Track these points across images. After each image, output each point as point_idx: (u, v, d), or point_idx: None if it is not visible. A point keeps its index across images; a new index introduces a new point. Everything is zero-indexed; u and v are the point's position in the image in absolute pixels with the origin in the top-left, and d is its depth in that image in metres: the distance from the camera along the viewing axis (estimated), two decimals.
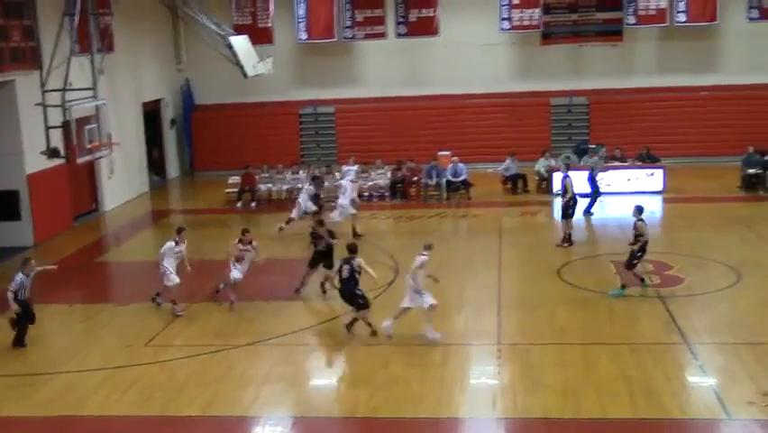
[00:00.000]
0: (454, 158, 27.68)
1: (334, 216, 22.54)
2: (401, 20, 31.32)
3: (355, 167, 27.68)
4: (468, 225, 24.83)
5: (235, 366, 14.60)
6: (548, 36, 30.98)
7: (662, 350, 14.57)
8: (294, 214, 23.29)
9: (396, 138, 31.35)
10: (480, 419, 12.74)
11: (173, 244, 17.36)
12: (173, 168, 33.31)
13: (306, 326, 16.46)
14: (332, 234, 18.30)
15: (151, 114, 31.78)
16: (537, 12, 30.36)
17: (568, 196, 21.47)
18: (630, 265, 17.35)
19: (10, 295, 15.56)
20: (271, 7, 31.51)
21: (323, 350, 15.54)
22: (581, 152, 28.82)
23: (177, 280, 17.17)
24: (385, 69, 32.67)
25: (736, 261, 19.23)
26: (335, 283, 16.89)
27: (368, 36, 31.66)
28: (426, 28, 31.12)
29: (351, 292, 15.54)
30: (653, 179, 26.84)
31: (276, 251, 21.10)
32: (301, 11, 31.44)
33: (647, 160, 27.67)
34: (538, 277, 18.90)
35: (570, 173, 22.01)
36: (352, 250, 15.87)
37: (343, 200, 23.29)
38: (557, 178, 27.04)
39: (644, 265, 19.28)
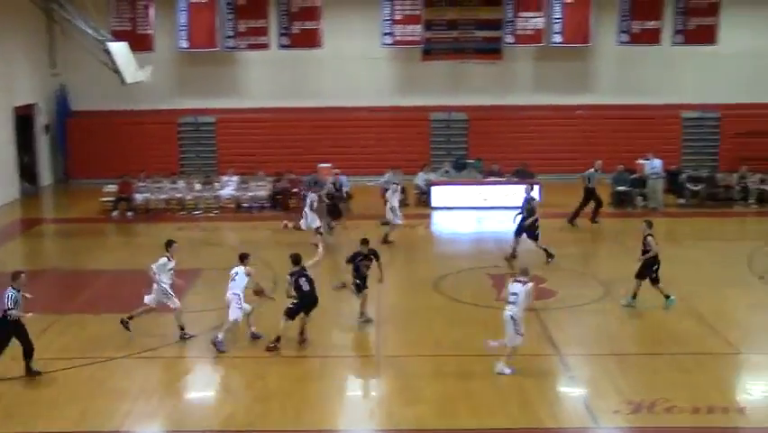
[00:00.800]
0: (336, 170, 27.74)
1: (394, 220, 22.95)
2: (284, 31, 31.27)
3: (235, 178, 27.55)
4: (348, 237, 24.83)
5: (108, 380, 14.25)
6: (429, 52, 31.45)
7: (536, 361, 14.93)
8: (302, 225, 22.76)
9: (277, 149, 31.24)
10: (358, 431, 12.81)
11: (165, 260, 15.72)
12: (46, 175, 32.28)
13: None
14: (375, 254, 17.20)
15: (24, 119, 30.77)
16: (419, 28, 30.80)
17: (534, 217, 21.10)
18: (652, 280, 17.30)
19: (13, 314, 13.82)
20: (152, 14, 30.98)
21: (198, 362, 15.29)
22: (460, 166, 29.38)
23: (178, 303, 15.83)
24: (268, 79, 32.54)
25: (605, 274, 19.90)
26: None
27: (250, 46, 31.47)
28: (310, 40, 31.16)
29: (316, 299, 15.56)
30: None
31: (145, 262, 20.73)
32: (182, 19, 31.01)
33: (523, 175, 28.34)
34: (416, 290, 19.12)
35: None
36: (297, 261, 15.60)
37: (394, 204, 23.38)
38: (436, 192, 27.53)
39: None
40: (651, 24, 30.49)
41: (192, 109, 32.51)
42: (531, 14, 30.85)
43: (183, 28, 31.10)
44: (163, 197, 27.66)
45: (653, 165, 27.61)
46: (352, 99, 32.23)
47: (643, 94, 32.14)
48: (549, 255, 20.95)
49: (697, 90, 32.05)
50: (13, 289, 14.06)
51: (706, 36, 30.34)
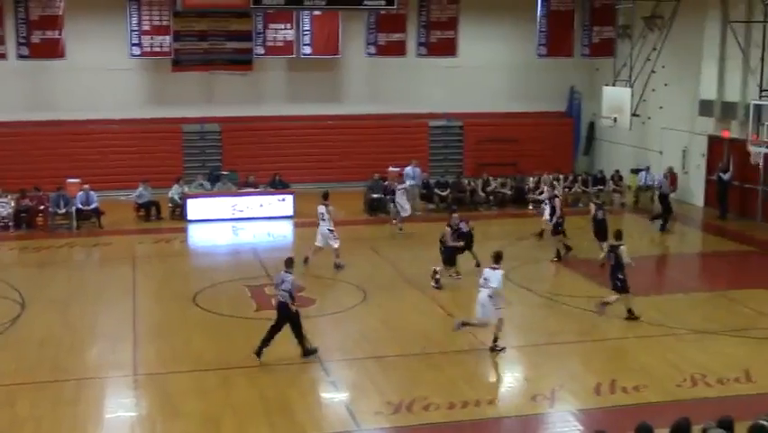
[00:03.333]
0: (85, 186, 26.72)
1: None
2: (23, 41, 29.64)
3: None
4: (100, 254, 24.06)
5: None
6: (179, 63, 30.93)
7: (297, 369, 15.08)
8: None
9: (21, 165, 29.60)
10: None
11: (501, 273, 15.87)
12: None
13: None
14: None
15: None
16: (168, 39, 30.22)
17: (557, 215, 22.65)
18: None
19: (285, 295, 15.23)
20: None
21: None
22: (214, 178, 29.15)
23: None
24: (8, 91, 30.65)
25: (362, 280, 20.41)
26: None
27: None
28: (51, 50, 29.68)
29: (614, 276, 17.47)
30: (283, 204, 27.73)
31: None
32: None
33: (278, 186, 28.57)
34: (174, 304, 18.78)
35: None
36: (618, 237, 17.79)
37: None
38: (191, 204, 27.15)
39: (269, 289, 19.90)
40: (396, 37, 31.57)
41: None
42: (281, 26, 31.07)
43: None
44: None
45: (415, 173, 28.67)
46: (101, 111, 31.10)
47: (392, 103, 33.25)
48: (558, 256, 22.51)
49: (442, 100, 33.58)
50: (291, 273, 15.43)
51: (447, 48, 31.83)
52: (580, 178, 30.73)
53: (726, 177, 27.27)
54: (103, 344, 16.37)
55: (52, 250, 23.74)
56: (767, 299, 19.18)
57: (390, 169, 29.11)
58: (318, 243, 21.58)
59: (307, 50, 31.41)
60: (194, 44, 30.76)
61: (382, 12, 29.18)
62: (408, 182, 28.26)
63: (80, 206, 26.38)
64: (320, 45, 31.48)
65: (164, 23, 30.19)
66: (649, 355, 15.75)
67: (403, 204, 25.79)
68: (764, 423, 8.86)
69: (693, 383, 14.39)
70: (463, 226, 21.28)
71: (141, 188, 27.38)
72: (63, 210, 26.21)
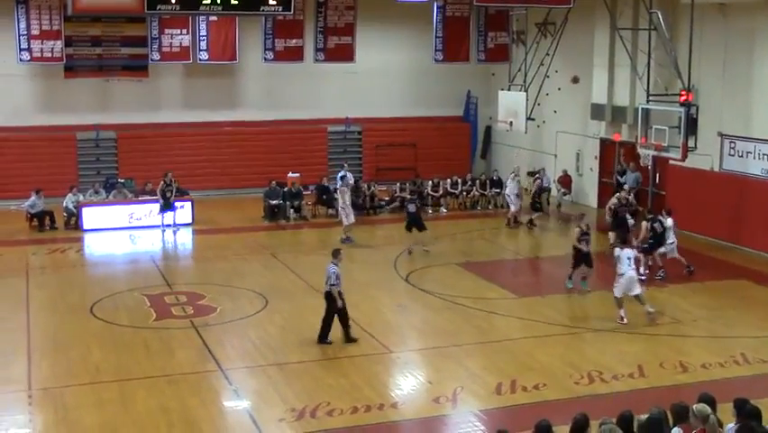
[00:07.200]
0: None
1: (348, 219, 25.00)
2: None
3: None
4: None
5: None
6: (72, 69, 30.18)
7: (199, 379, 14.93)
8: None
9: None
10: None
11: None
12: None
13: None
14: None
15: None
16: (59, 44, 29.44)
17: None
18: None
19: (335, 290, 16.06)
20: None
21: None
22: (110, 186, 28.62)
23: None
24: None
25: (263, 287, 20.31)
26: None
27: None
28: None
29: None
30: (182, 211, 27.35)
31: None
32: None
33: (178, 193, 28.17)
34: (70, 316, 18.34)
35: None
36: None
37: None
38: (86, 213, 26.56)
39: (177, 297, 19.67)
40: (294, 43, 31.43)
41: None
42: (176, 31, 30.62)
43: None
44: None
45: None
46: None
47: (290, 109, 33.17)
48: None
49: (340, 105, 33.64)
50: (335, 264, 16.24)
51: (344, 54, 31.84)
52: (477, 181, 31.22)
53: (625, 180, 27.73)
54: None
55: None
56: (656, 296, 19.83)
57: (289, 175, 29.02)
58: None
59: (204, 55, 31.02)
60: (87, 50, 30.06)
61: (279, 17, 29.06)
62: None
63: None
64: (217, 51, 31.14)
65: (55, 27, 29.37)
66: (548, 354, 16.10)
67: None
68: (657, 416, 9.19)
69: (590, 380, 14.79)
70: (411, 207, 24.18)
71: (33, 198, 26.63)
72: None
